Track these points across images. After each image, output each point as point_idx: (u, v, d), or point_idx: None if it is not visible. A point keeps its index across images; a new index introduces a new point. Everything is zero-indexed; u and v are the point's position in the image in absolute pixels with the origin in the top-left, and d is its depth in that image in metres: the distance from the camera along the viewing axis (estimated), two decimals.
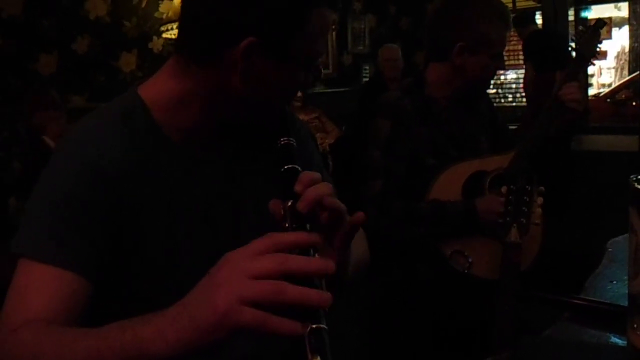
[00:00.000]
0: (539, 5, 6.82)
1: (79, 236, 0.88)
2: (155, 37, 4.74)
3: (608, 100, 8.50)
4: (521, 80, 6.22)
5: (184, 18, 0.97)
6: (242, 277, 0.67)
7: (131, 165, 0.93)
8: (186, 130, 0.99)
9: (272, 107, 1.01)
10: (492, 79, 1.99)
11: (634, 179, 0.77)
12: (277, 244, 0.71)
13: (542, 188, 1.64)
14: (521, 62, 5.73)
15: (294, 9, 0.90)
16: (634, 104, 8.31)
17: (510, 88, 7.62)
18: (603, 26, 1.84)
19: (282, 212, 0.82)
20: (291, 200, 0.81)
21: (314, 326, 0.67)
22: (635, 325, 0.81)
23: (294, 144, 0.93)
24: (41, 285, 0.85)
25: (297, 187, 0.82)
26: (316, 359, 0.65)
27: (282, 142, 0.92)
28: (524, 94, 6.59)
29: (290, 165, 0.87)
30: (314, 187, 0.82)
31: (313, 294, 0.67)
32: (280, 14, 0.89)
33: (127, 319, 0.75)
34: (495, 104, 3.47)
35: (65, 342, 0.76)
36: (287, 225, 0.80)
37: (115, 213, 0.91)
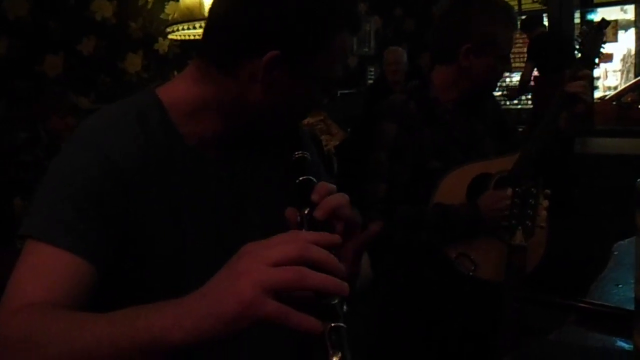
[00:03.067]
0: (545, 7, 6.82)
1: (89, 223, 0.87)
2: (161, 38, 4.76)
3: (614, 103, 8.49)
4: None
5: (211, 24, 0.98)
6: (263, 265, 0.67)
7: (143, 161, 0.93)
8: (201, 135, 1.00)
9: (285, 121, 1.02)
10: (499, 80, 1.99)
11: None
12: (298, 238, 0.71)
13: (547, 191, 1.63)
14: None
15: (319, 29, 0.92)
16: (639, 106, 8.29)
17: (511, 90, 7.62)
18: (607, 26, 1.83)
19: (299, 220, 0.83)
20: (308, 209, 0.83)
21: (333, 324, 0.67)
22: None
23: (308, 157, 0.95)
24: (47, 267, 0.84)
25: (314, 197, 0.84)
26: (337, 355, 0.66)
27: (297, 156, 0.94)
28: (529, 97, 6.63)
29: (305, 177, 0.89)
30: (332, 197, 0.84)
31: (332, 282, 0.68)
32: (306, 32, 0.91)
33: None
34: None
35: (74, 326, 0.74)
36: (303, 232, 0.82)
37: (125, 207, 0.91)
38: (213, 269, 0.72)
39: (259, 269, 0.67)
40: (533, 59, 5.48)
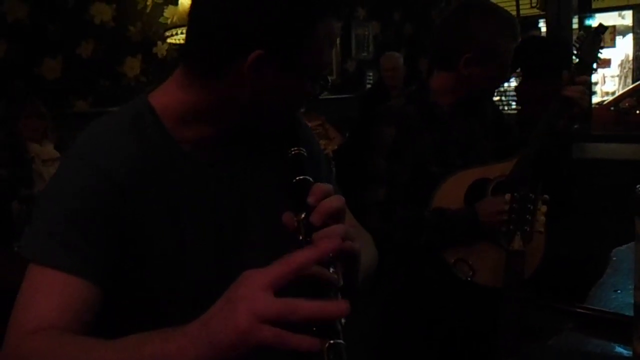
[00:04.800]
0: (543, 13, 6.82)
1: (89, 242, 0.87)
2: (159, 42, 4.76)
3: (612, 108, 8.50)
4: None
5: (191, 32, 0.96)
6: (261, 292, 0.68)
7: (141, 171, 0.93)
8: (195, 140, 0.99)
9: (281, 117, 1.01)
10: (497, 88, 1.99)
11: None
12: (294, 262, 0.71)
13: (546, 196, 1.63)
14: None
15: (301, 21, 0.90)
16: (637, 112, 8.31)
17: (514, 95, 7.64)
18: (604, 31, 1.83)
19: (296, 225, 0.83)
20: (304, 213, 0.83)
21: (332, 342, 0.67)
22: None
23: (305, 153, 0.94)
24: (50, 290, 0.85)
25: (311, 200, 0.84)
26: None
27: (293, 153, 0.93)
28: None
29: (301, 177, 0.88)
30: (328, 200, 0.84)
31: (330, 306, 0.68)
32: (287, 25, 0.89)
33: (138, 328, 0.75)
34: None
35: (83, 351, 0.76)
36: (301, 238, 0.82)
37: (125, 220, 0.91)
38: (213, 269, 0.72)
39: (255, 297, 0.68)
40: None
